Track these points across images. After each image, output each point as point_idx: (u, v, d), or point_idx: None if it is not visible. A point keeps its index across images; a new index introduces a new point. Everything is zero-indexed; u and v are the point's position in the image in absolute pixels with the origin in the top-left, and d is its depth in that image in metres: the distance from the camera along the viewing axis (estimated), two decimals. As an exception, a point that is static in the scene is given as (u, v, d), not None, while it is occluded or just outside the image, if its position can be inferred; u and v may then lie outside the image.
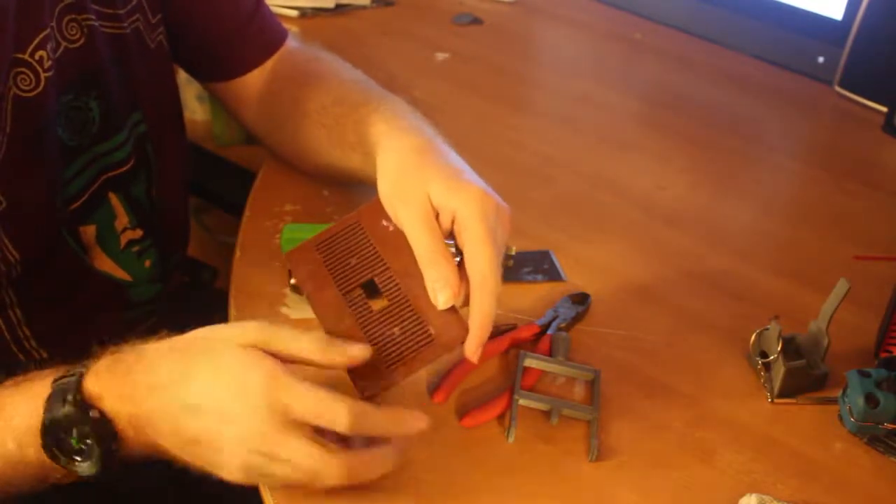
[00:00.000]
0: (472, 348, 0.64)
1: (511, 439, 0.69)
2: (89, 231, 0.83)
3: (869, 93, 1.18)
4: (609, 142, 1.09)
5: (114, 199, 0.85)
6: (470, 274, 0.64)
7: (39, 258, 0.77)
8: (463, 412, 0.71)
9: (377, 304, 0.66)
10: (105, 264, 0.86)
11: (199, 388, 0.59)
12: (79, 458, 0.61)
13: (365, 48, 1.27)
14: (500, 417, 0.71)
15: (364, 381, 0.63)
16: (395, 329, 0.64)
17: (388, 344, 0.64)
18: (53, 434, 0.61)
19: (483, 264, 0.63)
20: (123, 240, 0.87)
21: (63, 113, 0.77)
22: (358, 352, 0.62)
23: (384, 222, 0.69)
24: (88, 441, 0.60)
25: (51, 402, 0.61)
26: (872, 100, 1.18)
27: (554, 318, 0.80)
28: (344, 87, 0.87)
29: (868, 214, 1.00)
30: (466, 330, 0.64)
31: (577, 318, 0.81)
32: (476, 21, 1.35)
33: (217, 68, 0.93)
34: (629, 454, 0.70)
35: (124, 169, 0.85)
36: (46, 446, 0.61)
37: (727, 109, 1.20)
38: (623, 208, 0.97)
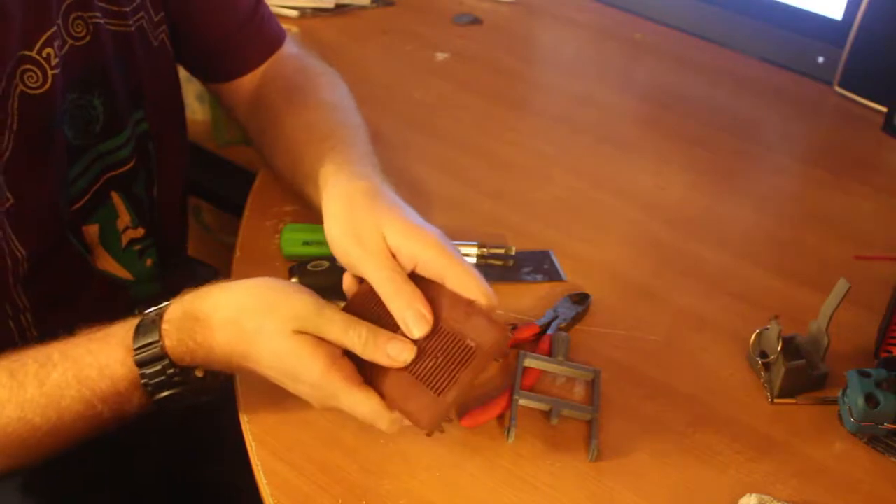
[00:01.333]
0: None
1: (511, 439, 0.69)
2: (92, 230, 0.83)
3: (869, 93, 1.18)
4: (609, 142, 1.09)
5: (116, 199, 0.85)
6: (455, 285, 0.66)
7: (44, 256, 0.77)
8: (463, 412, 0.70)
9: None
10: (107, 263, 0.86)
11: (265, 365, 0.65)
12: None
13: (365, 48, 1.27)
14: (500, 417, 0.71)
15: (424, 418, 0.62)
16: (439, 357, 0.64)
17: (435, 374, 0.63)
18: (167, 404, 0.67)
19: (473, 283, 0.66)
20: (125, 239, 0.87)
21: (68, 111, 0.77)
22: (398, 352, 0.64)
23: None
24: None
25: (154, 385, 0.66)
26: (872, 100, 1.18)
27: (554, 318, 0.80)
28: (317, 111, 0.87)
29: (868, 214, 1.00)
30: (503, 329, 0.64)
31: (577, 318, 0.81)
32: (476, 21, 1.35)
33: (214, 69, 0.93)
34: (629, 454, 0.70)
35: (126, 168, 0.85)
36: (160, 405, 0.67)
37: (727, 109, 1.20)
38: (623, 208, 0.97)
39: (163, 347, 0.65)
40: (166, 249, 0.93)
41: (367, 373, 0.64)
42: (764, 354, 0.76)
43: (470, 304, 0.65)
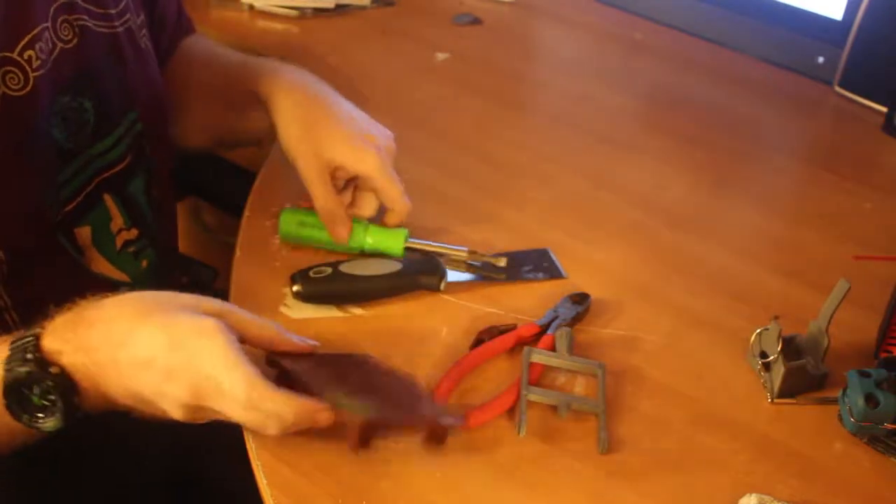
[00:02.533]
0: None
1: (522, 433, 0.69)
2: (84, 233, 0.83)
3: (869, 93, 1.18)
4: (609, 142, 1.09)
5: (108, 201, 0.85)
6: (385, 202, 0.84)
7: (30, 258, 0.77)
8: (468, 412, 0.70)
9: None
10: (102, 266, 0.85)
11: (148, 344, 0.62)
12: (41, 416, 0.63)
13: (365, 48, 1.27)
14: (509, 412, 0.71)
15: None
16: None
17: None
18: (15, 393, 0.62)
19: (392, 194, 0.84)
20: (119, 241, 0.87)
21: (59, 114, 0.77)
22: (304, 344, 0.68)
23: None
24: (51, 397, 0.62)
25: (10, 362, 0.62)
26: (872, 100, 1.18)
27: (554, 318, 0.80)
28: (216, 57, 0.97)
29: (868, 214, 1.00)
30: (459, 420, 0.69)
31: (577, 318, 0.81)
32: (476, 21, 1.35)
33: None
34: (629, 454, 0.70)
35: (118, 169, 0.85)
36: (9, 406, 0.63)
37: (727, 109, 1.20)
38: (623, 208, 0.97)
39: (37, 335, 0.63)
40: (162, 249, 0.93)
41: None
42: (764, 354, 0.76)
43: (429, 397, 0.70)
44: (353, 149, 0.82)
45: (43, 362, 0.62)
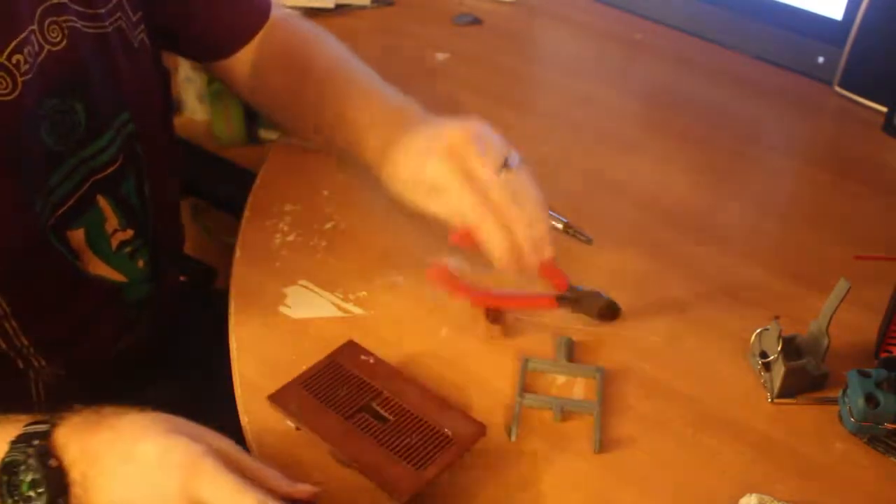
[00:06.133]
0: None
1: (513, 438, 0.69)
2: (78, 235, 0.82)
3: (869, 93, 1.18)
4: (609, 142, 1.09)
5: (102, 202, 0.84)
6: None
7: (23, 263, 0.76)
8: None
9: (383, 423, 0.68)
10: (98, 268, 0.85)
11: (143, 460, 0.60)
12: None
13: (365, 48, 1.26)
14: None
15: (402, 487, 0.64)
16: (413, 437, 0.67)
17: (409, 451, 0.66)
18: (9, 475, 0.61)
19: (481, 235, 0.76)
20: (114, 242, 0.86)
21: (48, 118, 0.76)
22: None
23: (363, 357, 0.73)
24: (40, 490, 0.60)
25: (16, 443, 0.61)
26: (872, 100, 1.18)
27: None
28: (323, 59, 0.97)
29: (868, 214, 1.00)
30: (479, 426, 0.68)
31: (599, 310, 0.81)
32: (476, 21, 1.35)
33: (211, 49, 0.96)
34: (629, 454, 0.70)
35: (111, 170, 0.84)
36: None
37: (727, 109, 1.20)
38: (623, 208, 0.97)
39: (53, 424, 0.62)
40: (159, 249, 0.92)
41: (343, 443, 0.66)
42: (764, 354, 0.76)
43: (443, 400, 0.70)
44: (445, 159, 0.79)
45: (45, 453, 0.61)
